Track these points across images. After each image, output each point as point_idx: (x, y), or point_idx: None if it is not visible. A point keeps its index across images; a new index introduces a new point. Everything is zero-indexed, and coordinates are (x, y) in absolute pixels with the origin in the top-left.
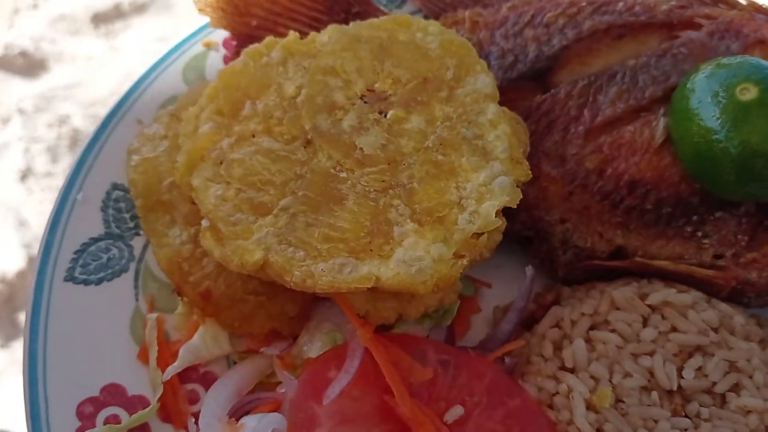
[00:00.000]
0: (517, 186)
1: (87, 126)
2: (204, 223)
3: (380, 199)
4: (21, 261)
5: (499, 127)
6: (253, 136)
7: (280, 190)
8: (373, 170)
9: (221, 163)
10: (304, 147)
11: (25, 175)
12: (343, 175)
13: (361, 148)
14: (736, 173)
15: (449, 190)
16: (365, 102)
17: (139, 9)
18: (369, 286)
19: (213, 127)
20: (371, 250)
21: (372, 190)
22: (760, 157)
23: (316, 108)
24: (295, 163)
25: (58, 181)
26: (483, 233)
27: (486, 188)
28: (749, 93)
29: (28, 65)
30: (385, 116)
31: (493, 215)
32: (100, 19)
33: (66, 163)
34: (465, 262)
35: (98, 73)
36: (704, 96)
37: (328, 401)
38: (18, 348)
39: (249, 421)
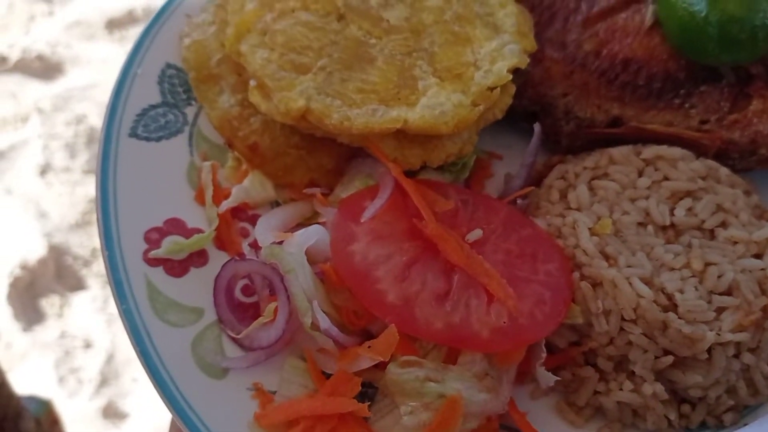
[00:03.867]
0: (526, 54)
1: None
2: (251, 83)
3: (405, 60)
4: (42, 249)
5: (508, 7)
6: (293, 11)
7: (318, 54)
8: (398, 37)
9: (265, 33)
10: (337, 20)
11: (44, 170)
12: (372, 41)
13: (388, 20)
14: (717, 39)
15: (466, 54)
16: None
17: (152, 14)
18: (398, 127)
19: (257, 4)
20: (399, 99)
21: (398, 53)
22: (736, 22)
23: None
24: (330, 33)
25: (76, 176)
26: (496, 87)
27: (498, 53)
28: None
29: (45, 68)
30: None
31: (505, 71)
32: (114, 24)
33: (83, 159)
34: (481, 108)
35: (113, 76)
36: None
37: (364, 220)
38: (40, 332)
39: (297, 233)
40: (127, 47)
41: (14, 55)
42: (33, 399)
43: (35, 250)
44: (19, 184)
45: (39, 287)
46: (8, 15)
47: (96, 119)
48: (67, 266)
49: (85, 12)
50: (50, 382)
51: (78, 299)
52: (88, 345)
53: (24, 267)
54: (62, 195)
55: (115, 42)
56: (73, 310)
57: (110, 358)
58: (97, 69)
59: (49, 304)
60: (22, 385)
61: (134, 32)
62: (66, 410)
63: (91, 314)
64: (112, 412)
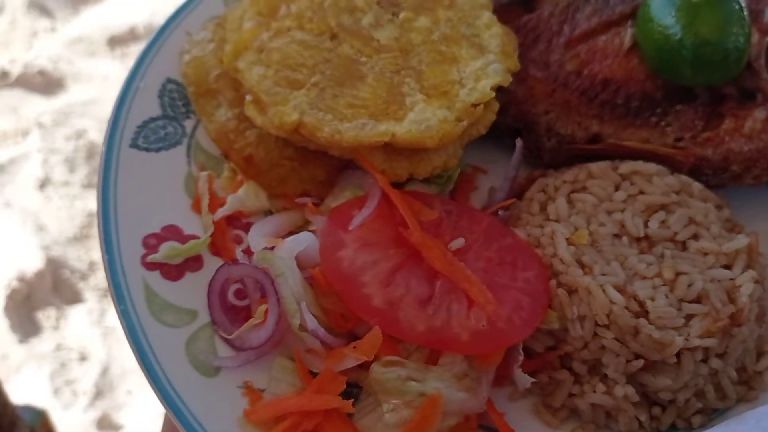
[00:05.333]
0: (509, 73)
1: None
2: (248, 98)
3: (394, 78)
4: (39, 262)
5: (493, 28)
6: (288, 30)
7: (311, 71)
8: (388, 56)
9: (262, 51)
10: (330, 39)
11: (43, 183)
12: (363, 59)
13: (378, 40)
14: (691, 61)
15: (452, 72)
16: (380, 6)
17: (154, 32)
18: (386, 140)
19: (254, 23)
20: (388, 114)
21: (387, 71)
22: (709, 45)
23: (340, 9)
24: (323, 51)
25: (75, 190)
26: (480, 104)
27: (482, 72)
28: None
29: (47, 83)
30: (398, 17)
31: (488, 89)
32: (115, 41)
33: (83, 173)
34: (465, 124)
35: (114, 92)
36: (662, 2)
37: (352, 228)
38: (36, 344)
39: (288, 239)
40: (128, 64)
41: (16, 71)
42: (28, 408)
43: (33, 263)
44: (18, 197)
45: (36, 300)
46: (11, 31)
47: (96, 134)
48: (64, 279)
49: (87, 29)
50: (45, 394)
51: (74, 312)
52: (83, 357)
53: (21, 279)
54: (61, 209)
55: (117, 59)
56: (70, 323)
57: (105, 371)
58: (98, 85)
59: (46, 316)
60: (17, 397)
61: (135, 49)
62: (61, 422)
63: (87, 327)
64: (106, 424)
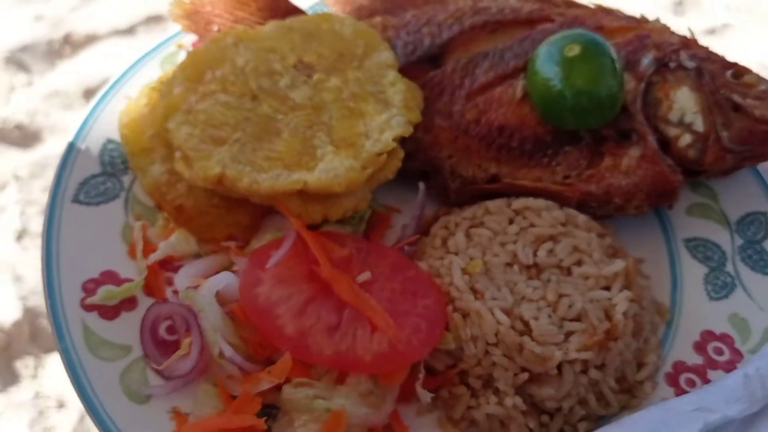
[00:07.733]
0: (411, 125)
1: None
2: (177, 155)
3: (307, 132)
4: (17, 312)
5: (397, 85)
6: (213, 93)
7: (233, 128)
8: (302, 113)
9: (190, 112)
10: (251, 100)
11: (20, 235)
12: (280, 117)
13: (293, 99)
14: (571, 108)
15: (359, 126)
16: (296, 70)
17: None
18: (299, 188)
19: (183, 89)
20: (301, 165)
21: (301, 126)
22: (584, 94)
23: (259, 74)
24: (244, 111)
25: None
26: (383, 153)
27: (386, 124)
28: (574, 51)
29: (24, 137)
30: (312, 78)
31: (391, 140)
32: (91, 93)
33: None
34: (369, 171)
35: None
36: (545, 58)
37: (269, 266)
38: (15, 393)
39: (209, 279)
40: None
41: None
42: None
43: (11, 313)
44: None
45: (14, 349)
46: None
47: None
48: (42, 328)
49: (63, 82)
50: None
51: (52, 360)
52: (61, 405)
53: (0, 330)
54: (37, 259)
55: None
56: (47, 372)
57: (83, 417)
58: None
59: (24, 365)
60: None
61: None
62: None
63: (64, 375)
64: None
